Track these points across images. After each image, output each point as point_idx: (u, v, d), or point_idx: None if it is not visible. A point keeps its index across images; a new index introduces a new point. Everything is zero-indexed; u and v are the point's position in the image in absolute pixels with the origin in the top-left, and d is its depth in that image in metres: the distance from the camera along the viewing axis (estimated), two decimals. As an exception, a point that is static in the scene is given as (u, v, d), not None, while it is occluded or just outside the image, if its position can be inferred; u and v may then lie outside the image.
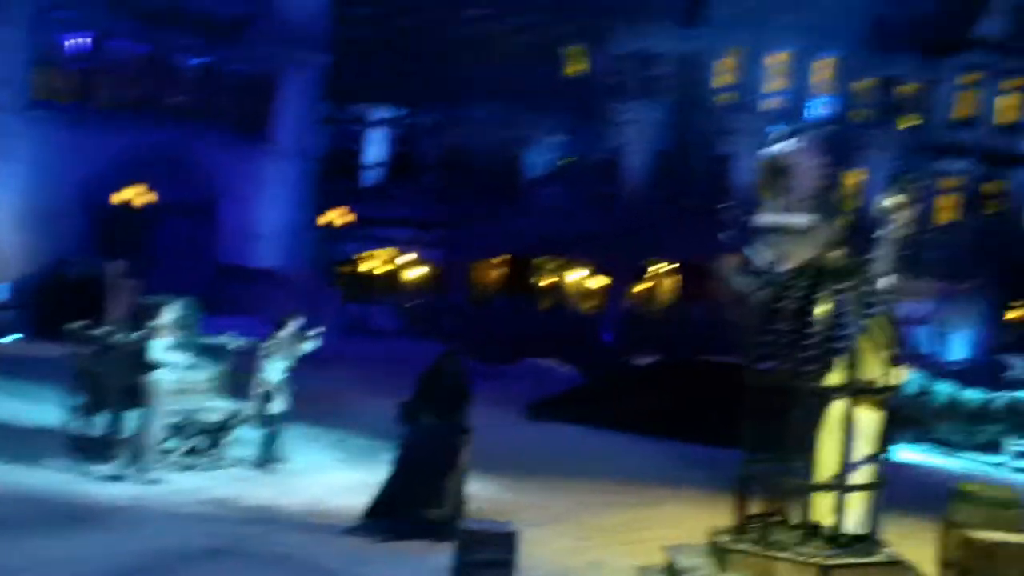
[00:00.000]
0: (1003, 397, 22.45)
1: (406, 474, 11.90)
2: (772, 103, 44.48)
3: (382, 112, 43.05)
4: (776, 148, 10.28)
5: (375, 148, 43.30)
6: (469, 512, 11.82)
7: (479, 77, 41.18)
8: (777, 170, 10.21)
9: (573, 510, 13.79)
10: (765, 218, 10.15)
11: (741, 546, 9.88)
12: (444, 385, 12.21)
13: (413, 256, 42.74)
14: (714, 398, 17.06)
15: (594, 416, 20.28)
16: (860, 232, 10.21)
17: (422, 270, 42.80)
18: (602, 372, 25.71)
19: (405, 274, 42.91)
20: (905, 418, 20.22)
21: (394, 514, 11.78)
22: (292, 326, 14.74)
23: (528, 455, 16.90)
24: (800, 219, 10.03)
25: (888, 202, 10.01)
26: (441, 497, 11.76)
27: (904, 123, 45.64)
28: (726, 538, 10.02)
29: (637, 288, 43.20)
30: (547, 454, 17.36)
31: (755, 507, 10.12)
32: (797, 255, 10.03)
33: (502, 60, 41.98)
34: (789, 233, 10.04)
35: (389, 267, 42.97)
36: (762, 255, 10.16)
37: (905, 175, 40.46)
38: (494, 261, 43.13)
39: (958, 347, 35.75)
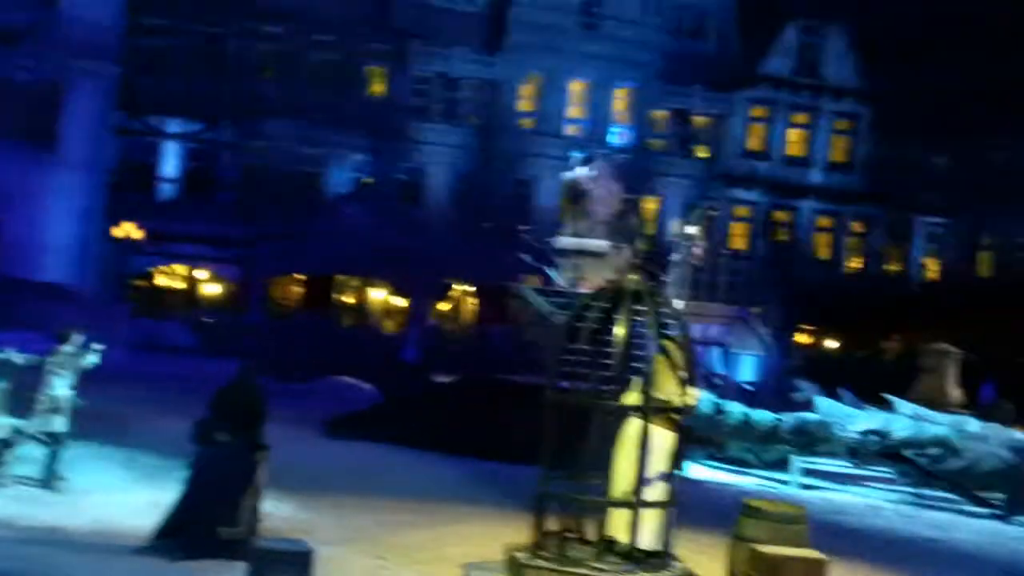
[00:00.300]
0: (791, 418, 23.22)
1: (199, 492, 11.59)
2: (573, 129, 45.36)
3: (179, 125, 42.04)
4: (575, 174, 10.49)
5: (172, 162, 42.26)
6: (264, 530, 11.59)
7: (279, 94, 40.75)
8: (576, 195, 10.44)
9: (371, 528, 13.66)
10: (565, 241, 10.34)
11: (538, 562, 9.97)
12: (240, 403, 11.96)
13: (209, 272, 41.84)
14: (514, 416, 17.22)
15: (394, 434, 20.20)
16: (656, 256, 10.50)
17: (219, 287, 41.94)
18: (403, 390, 25.62)
19: (202, 290, 41.97)
20: (698, 437, 20.79)
21: (186, 533, 11.47)
22: (75, 341, 14.22)
23: (326, 473, 16.70)
24: (598, 242, 10.25)
25: (683, 228, 10.33)
26: (235, 515, 11.50)
27: (699, 153, 47.20)
28: (523, 555, 10.10)
29: (440, 307, 43.31)
30: (345, 472, 17.18)
31: (553, 524, 10.23)
32: (595, 277, 10.24)
33: (303, 77, 41.65)
34: (588, 256, 10.25)
35: (185, 283, 41.95)
36: (562, 277, 10.33)
37: (699, 203, 41.83)
38: (294, 278, 42.60)
39: (749, 369, 36.97)
